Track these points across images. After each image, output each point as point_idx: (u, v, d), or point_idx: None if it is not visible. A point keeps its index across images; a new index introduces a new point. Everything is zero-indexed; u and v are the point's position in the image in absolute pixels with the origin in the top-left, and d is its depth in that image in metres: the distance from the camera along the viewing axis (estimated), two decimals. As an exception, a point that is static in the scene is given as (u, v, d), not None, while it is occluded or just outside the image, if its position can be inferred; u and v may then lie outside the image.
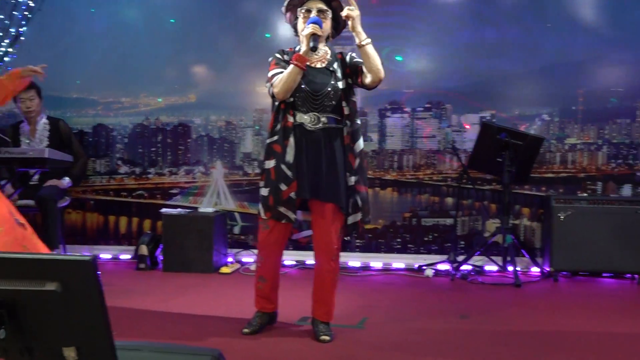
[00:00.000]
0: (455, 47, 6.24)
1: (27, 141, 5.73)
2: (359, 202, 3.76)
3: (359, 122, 3.88)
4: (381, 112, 6.39)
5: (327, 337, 3.75)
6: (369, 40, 3.60)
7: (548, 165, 6.18)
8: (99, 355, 1.69)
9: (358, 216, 3.78)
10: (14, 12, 6.38)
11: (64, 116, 6.35)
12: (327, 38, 3.86)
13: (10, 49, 6.44)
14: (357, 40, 3.61)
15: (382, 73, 3.65)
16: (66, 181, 5.66)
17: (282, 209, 3.70)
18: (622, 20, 6.03)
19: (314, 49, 3.58)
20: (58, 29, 6.59)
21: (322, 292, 3.87)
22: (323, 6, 3.75)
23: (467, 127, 6.27)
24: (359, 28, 3.59)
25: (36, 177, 5.67)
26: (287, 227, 3.83)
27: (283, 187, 3.69)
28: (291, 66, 3.60)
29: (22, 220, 4.11)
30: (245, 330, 3.87)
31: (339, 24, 3.87)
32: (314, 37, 3.58)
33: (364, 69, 3.68)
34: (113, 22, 6.56)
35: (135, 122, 6.66)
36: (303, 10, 3.76)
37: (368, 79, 3.67)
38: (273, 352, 3.60)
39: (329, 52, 3.85)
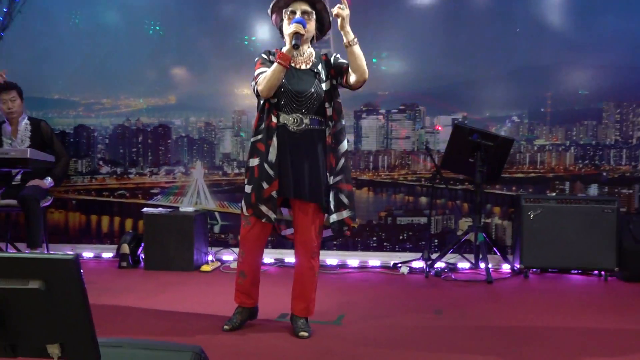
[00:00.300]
0: (428, 51, 6.27)
1: (9, 141, 5.67)
2: (344, 200, 3.74)
3: (343, 122, 3.85)
4: (356, 114, 6.39)
5: (305, 333, 3.75)
6: (356, 40, 3.59)
7: (518, 166, 6.22)
8: (82, 352, 1.68)
9: (343, 214, 3.75)
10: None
11: (46, 117, 6.29)
12: (312, 40, 3.84)
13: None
14: (345, 40, 3.59)
15: (366, 74, 3.64)
16: (48, 181, 5.62)
17: (263, 208, 3.70)
18: (588, 26, 6.08)
19: (296, 46, 3.55)
20: (39, 31, 6.51)
21: (302, 288, 3.86)
22: (307, 8, 3.73)
23: (439, 128, 6.29)
24: (348, 27, 3.56)
25: (18, 177, 5.62)
26: (267, 226, 3.82)
27: (265, 185, 3.69)
28: (275, 64, 3.59)
29: None
30: (226, 326, 3.86)
31: (323, 26, 3.86)
32: (296, 35, 3.55)
33: (350, 69, 3.66)
34: (93, 24, 6.50)
35: (116, 123, 6.61)
36: (288, 12, 3.73)
37: (353, 79, 3.66)
38: (253, 347, 3.58)
39: (314, 53, 3.83)
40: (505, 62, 6.19)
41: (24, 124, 5.72)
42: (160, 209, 6.08)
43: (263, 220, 3.73)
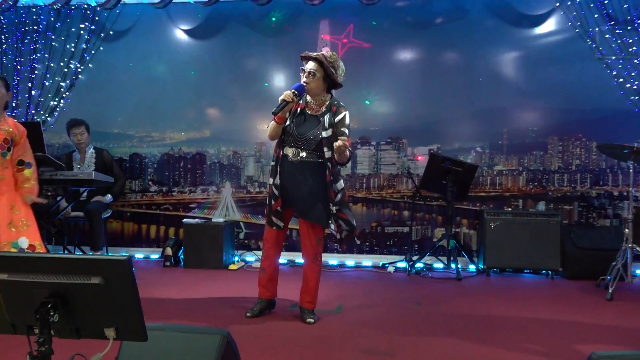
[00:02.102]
0: (409, 96, 6.26)
1: (78, 166, 5.67)
2: (343, 225, 3.72)
3: (338, 167, 3.75)
4: (353, 145, 6.36)
5: (311, 320, 3.73)
6: (344, 160, 3.60)
7: (481, 186, 6.18)
8: (133, 334, 1.67)
9: (344, 233, 3.76)
10: (70, 62, 6.34)
11: (107, 147, 6.30)
12: (330, 86, 3.73)
13: (66, 94, 6.41)
14: (335, 153, 3.52)
15: (344, 160, 3.62)
16: (108, 197, 5.62)
17: (274, 218, 3.77)
18: (535, 77, 6.07)
19: (273, 112, 3.54)
20: (103, 80, 6.55)
21: (307, 285, 3.84)
22: (313, 68, 3.61)
23: (420, 158, 6.27)
24: (343, 150, 3.45)
25: (85, 194, 5.61)
26: (282, 232, 3.84)
27: (273, 202, 3.75)
28: (272, 122, 3.67)
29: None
30: (248, 314, 3.84)
31: (333, 82, 3.70)
32: (283, 102, 3.53)
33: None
34: (146, 74, 6.53)
35: (162, 151, 6.60)
36: (301, 69, 3.68)
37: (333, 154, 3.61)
38: (270, 331, 3.55)
39: (327, 102, 3.72)
40: (470, 104, 6.18)
41: (90, 152, 5.73)
42: (197, 219, 6.06)
43: (274, 228, 3.78)
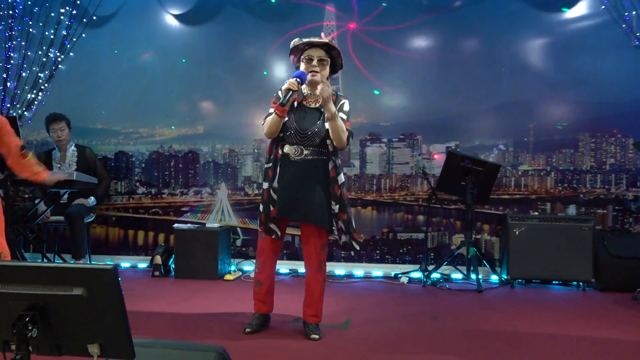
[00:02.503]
0: (424, 88, 6.26)
1: (58, 165, 5.70)
2: (343, 227, 3.75)
3: (339, 160, 3.80)
4: (362, 142, 6.39)
5: (316, 336, 3.73)
6: (336, 117, 3.57)
7: (504, 188, 6.18)
8: (119, 351, 1.68)
9: (342, 238, 3.78)
10: (50, 50, 6.37)
11: (90, 144, 6.32)
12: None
13: (45, 85, 6.44)
14: (326, 114, 3.57)
15: (343, 144, 3.65)
16: (91, 200, 5.65)
17: (272, 226, 3.77)
18: (565, 67, 6.06)
19: (282, 104, 3.52)
20: (86, 69, 6.58)
21: (311, 298, 3.85)
22: (323, 55, 3.69)
23: (436, 157, 6.27)
24: (329, 105, 3.54)
25: (65, 196, 5.64)
26: (276, 241, 3.85)
27: (271, 207, 3.73)
28: (273, 114, 3.62)
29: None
30: (247, 329, 3.85)
31: (335, 67, 3.81)
32: (288, 91, 3.53)
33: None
34: (133, 64, 6.56)
35: (151, 149, 6.63)
36: (305, 58, 3.70)
37: (333, 143, 3.66)
38: (270, 348, 3.56)
39: None
40: (493, 97, 6.19)
41: (71, 150, 5.75)
42: (189, 224, 6.08)
43: (272, 237, 3.78)
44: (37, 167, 3.99)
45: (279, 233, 3.79)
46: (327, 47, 3.70)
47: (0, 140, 3.84)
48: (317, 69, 3.65)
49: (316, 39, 3.70)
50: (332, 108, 3.55)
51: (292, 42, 3.74)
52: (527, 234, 5.57)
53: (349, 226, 3.77)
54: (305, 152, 3.68)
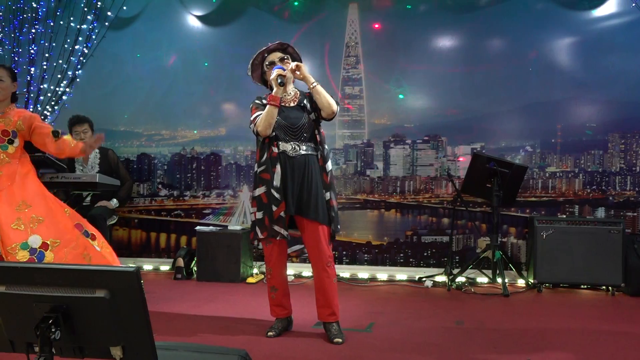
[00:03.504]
0: (449, 88, 6.23)
1: (81, 168, 5.74)
2: (333, 215, 3.82)
3: (327, 147, 3.94)
4: (385, 144, 6.37)
5: (339, 339, 3.72)
6: (316, 83, 3.73)
7: (531, 190, 6.13)
8: (141, 354, 1.68)
9: (333, 225, 3.86)
10: (71, 58, 6.46)
11: (113, 146, 6.39)
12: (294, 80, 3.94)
13: (67, 89, 6.51)
14: (308, 85, 3.73)
15: (333, 106, 3.74)
16: (114, 202, 5.68)
17: (276, 227, 3.77)
18: (593, 65, 6.00)
19: (282, 84, 3.67)
20: (108, 72, 6.66)
21: (324, 296, 3.84)
22: (282, 55, 3.90)
23: (462, 159, 6.23)
24: (307, 74, 3.74)
25: (88, 198, 5.69)
26: (284, 242, 3.88)
27: (274, 208, 3.75)
28: (268, 106, 3.70)
29: (92, 230, 4.20)
30: (270, 333, 3.86)
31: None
32: (280, 77, 3.68)
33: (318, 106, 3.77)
34: (155, 65, 6.62)
35: (173, 151, 6.68)
36: (267, 64, 3.91)
37: (323, 113, 3.77)
38: (292, 352, 3.56)
39: (299, 92, 3.95)
40: (519, 98, 6.14)
41: (94, 152, 5.79)
42: (211, 227, 6.10)
43: (278, 238, 3.79)
44: (72, 141, 4.13)
45: (285, 233, 3.76)
46: (281, 47, 3.94)
47: (35, 133, 3.96)
48: (286, 66, 3.82)
49: (271, 44, 3.93)
50: (311, 77, 3.75)
51: (248, 68, 3.99)
52: (554, 237, 5.51)
53: (337, 217, 3.88)
54: (302, 147, 3.79)
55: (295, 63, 3.75)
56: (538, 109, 6.15)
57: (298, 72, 3.72)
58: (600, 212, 5.99)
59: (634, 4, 5.77)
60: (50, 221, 3.90)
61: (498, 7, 6.12)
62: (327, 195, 3.82)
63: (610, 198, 6.00)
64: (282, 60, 3.87)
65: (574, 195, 6.08)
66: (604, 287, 5.52)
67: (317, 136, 3.85)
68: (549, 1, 6.04)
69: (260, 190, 3.80)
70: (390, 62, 6.22)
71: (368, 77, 6.30)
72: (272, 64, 3.87)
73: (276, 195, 3.73)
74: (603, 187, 6.03)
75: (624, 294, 5.40)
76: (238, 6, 6.52)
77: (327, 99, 3.71)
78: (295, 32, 6.35)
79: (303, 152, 3.77)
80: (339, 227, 3.91)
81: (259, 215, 3.81)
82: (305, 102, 3.87)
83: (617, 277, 5.40)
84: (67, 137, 4.14)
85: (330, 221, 3.82)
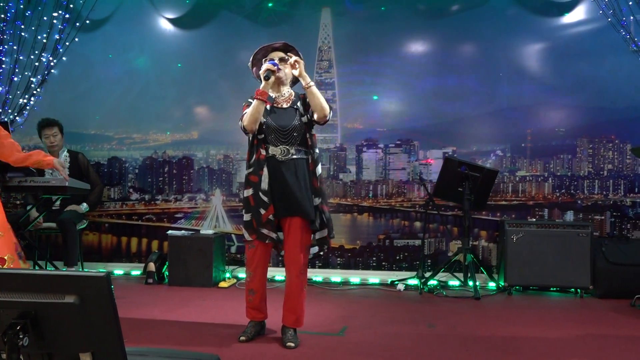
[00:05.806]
0: (421, 93, 6.29)
1: (50, 171, 5.67)
2: (325, 220, 3.80)
3: (317, 151, 3.90)
4: (358, 148, 6.40)
5: (292, 344, 3.71)
6: (312, 83, 3.70)
7: (502, 194, 6.20)
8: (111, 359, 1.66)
9: (325, 232, 3.84)
10: (42, 54, 6.36)
11: (83, 150, 6.33)
12: (293, 82, 3.94)
13: (37, 90, 6.42)
14: (303, 83, 3.71)
15: (326, 110, 3.70)
16: (84, 206, 5.62)
17: (264, 230, 3.75)
18: (562, 72, 6.10)
19: (267, 77, 3.67)
20: (79, 74, 6.58)
21: (292, 301, 3.85)
22: (283, 55, 3.85)
23: (431, 161, 6.29)
24: (304, 73, 3.71)
25: (58, 202, 5.62)
26: (268, 246, 3.86)
27: (262, 211, 3.73)
28: (254, 101, 3.69)
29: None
30: (242, 337, 3.83)
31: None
32: (267, 71, 3.69)
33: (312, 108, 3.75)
34: (127, 68, 6.57)
35: (145, 155, 6.63)
36: (266, 60, 3.86)
37: (316, 116, 3.72)
38: (264, 357, 3.55)
39: (293, 93, 3.91)
40: (490, 103, 6.22)
41: (64, 155, 5.74)
42: (183, 231, 6.07)
43: (267, 242, 3.78)
44: (36, 156, 4.11)
45: (274, 236, 3.76)
46: (285, 48, 3.89)
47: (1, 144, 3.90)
48: (280, 65, 3.80)
49: (275, 43, 3.91)
50: (308, 77, 3.71)
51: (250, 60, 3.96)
52: (524, 241, 5.58)
53: (330, 222, 3.85)
54: (292, 151, 3.75)
55: (295, 58, 3.72)
56: (508, 114, 6.23)
57: (297, 68, 3.69)
58: (569, 216, 6.09)
59: (601, 12, 5.88)
60: (5, 238, 3.79)
61: (470, 12, 6.20)
62: (317, 200, 3.78)
63: (579, 202, 6.10)
64: (282, 59, 3.83)
65: (544, 199, 6.17)
66: (572, 289, 5.60)
67: (309, 140, 3.81)
68: (519, 7, 6.14)
69: (248, 192, 3.79)
70: (363, 66, 6.26)
71: (341, 81, 6.32)
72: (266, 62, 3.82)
73: (264, 198, 3.72)
74: (572, 191, 6.13)
75: (593, 296, 5.49)
76: (210, 9, 6.50)
77: (320, 101, 3.67)
78: (267, 35, 6.34)
79: (293, 157, 3.73)
80: (333, 232, 3.88)
81: (247, 217, 3.80)
82: (298, 104, 3.84)
83: (586, 279, 5.48)
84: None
85: (321, 226, 3.80)
